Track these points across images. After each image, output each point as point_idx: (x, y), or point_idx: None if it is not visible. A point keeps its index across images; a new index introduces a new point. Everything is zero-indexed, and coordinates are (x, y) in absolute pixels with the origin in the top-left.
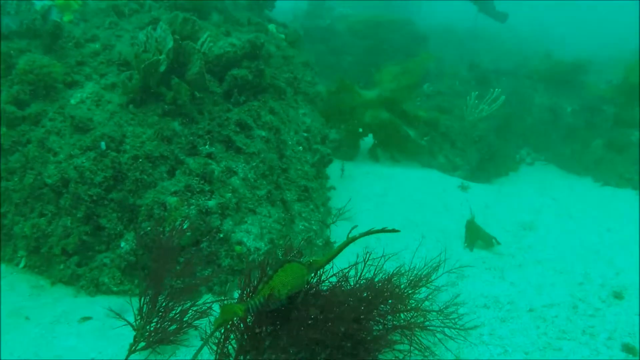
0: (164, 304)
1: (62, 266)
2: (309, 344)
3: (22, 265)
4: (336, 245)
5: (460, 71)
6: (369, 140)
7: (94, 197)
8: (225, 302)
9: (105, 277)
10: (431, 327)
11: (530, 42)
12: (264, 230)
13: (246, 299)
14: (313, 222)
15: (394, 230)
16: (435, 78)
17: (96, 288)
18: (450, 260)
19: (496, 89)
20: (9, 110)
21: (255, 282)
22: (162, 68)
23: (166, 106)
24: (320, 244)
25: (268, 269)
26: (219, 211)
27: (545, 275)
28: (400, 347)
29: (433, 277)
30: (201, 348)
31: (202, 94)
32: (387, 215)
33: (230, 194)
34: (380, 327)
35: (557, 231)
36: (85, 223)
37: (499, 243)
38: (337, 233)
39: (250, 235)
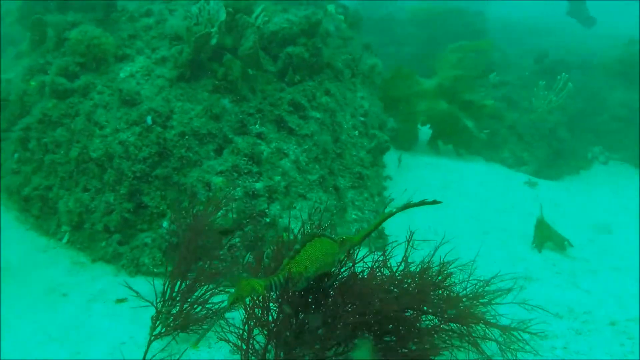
0: (188, 288)
1: (104, 243)
2: (345, 335)
3: (65, 240)
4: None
5: (527, 62)
6: (427, 130)
7: (138, 174)
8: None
9: (145, 257)
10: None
11: (596, 39)
12: (314, 217)
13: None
14: (366, 211)
15: (435, 202)
16: (501, 69)
17: (136, 268)
18: (516, 261)
19: (563, 74)
20: (58, 82)
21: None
22: (214, 41)
23: (217, 82)
24: (373, 235)
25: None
26: (267, 194)
27: (625, 284)
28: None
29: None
30: (210, 327)
31: (255, 71)
32: (447, 210)
33: (279, 177)
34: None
35: (636, 236)
36: (128, 200)
37: (571, 245)
38: (392, 225)
39: (299, 222)
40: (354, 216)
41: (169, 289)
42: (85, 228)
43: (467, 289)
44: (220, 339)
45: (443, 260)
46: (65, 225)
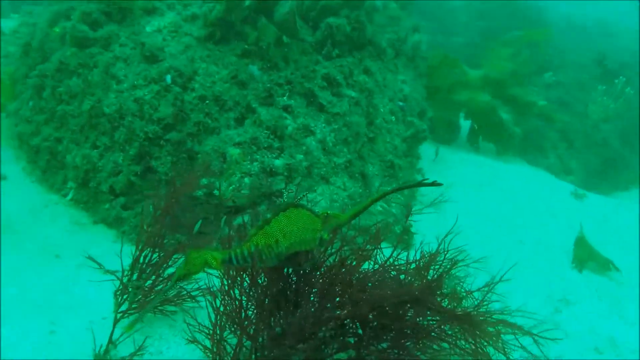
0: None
1: (107, 205)
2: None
3: (69, 197)
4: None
5: (586, 63)
6: (468, 124)
7: (150, 135)
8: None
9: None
10: None
11: None
12: (334, 204)
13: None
14: (393, 204)
15: (435, 184)
16: (558, 69)
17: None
18: (552, 279)
19: (620, 77)
20: (79, 29)
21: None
22: (247, 2)
23: (247, 46)
24: (398, 231)
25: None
26: (285, 173)
27: None
28: None
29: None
30: (149, 309)
31: (290, 39)
32: (482, 211)
33: (302, 156)
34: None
35: None
36: (136, 162)
37: (617, 269)
38: (420, 222)
39: (317, 208)
40: (379, 208)
41: (137, 261)
42: (91, 187)
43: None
44: (189, 341)
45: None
46: (72, 181)
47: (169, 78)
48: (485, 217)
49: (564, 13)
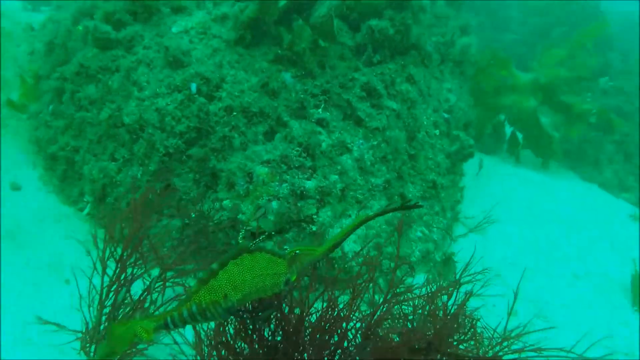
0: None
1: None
2: None
3: (86, 211)
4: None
5: None
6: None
7: (170, 150)
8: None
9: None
10: None
11: None
12: (370, 231)
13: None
14: (435, 229)
15: (417, 206)
16: (619, 74)
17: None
18: (613, 324)
19: None
20: (101, 29)
21: None
22: (282, 2)
23: (280, 51)
24: (439, 259)
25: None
26: (318, 196)
27: None
28: None
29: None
30: None
31: (327, 43)
32: (530, 236)
33: (336, 177)
34: None
35: None
36: (157, 178)
37: None
38: (464, 248)
39: (352, 236)
40: (419, 234)
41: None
42: (108, 202)
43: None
44: None
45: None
46: (88, 195)
47: (194, 87)
48: (535, 244)
49: (628, 13)
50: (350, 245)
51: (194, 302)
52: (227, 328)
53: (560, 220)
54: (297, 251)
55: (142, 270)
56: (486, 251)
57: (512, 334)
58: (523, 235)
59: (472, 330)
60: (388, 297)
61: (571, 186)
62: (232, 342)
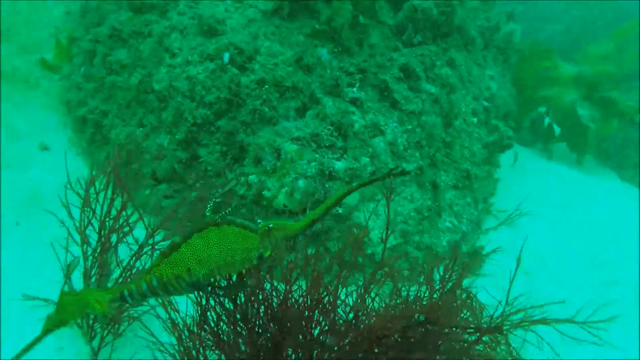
0: None
1: (148, 191)
2: None
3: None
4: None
5: None
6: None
7: (199, 120)
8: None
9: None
10: None
11: None
12: (397, 217)
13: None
14: (464, 220)
15: (403, 173)
16: None
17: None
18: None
19: None
20: None
21: None
22: None
23: (317, 26)
24: (465, 250)
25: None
26: (347, 179)
27: None
28: None
29: None
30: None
31: (367, 20)
32: (564, 237)
33: (367, 159)
34: None
35: None
36: (183, 148)
37: None
38: (493, 242)
39: (378, 221)
40: (447, 224)
41: None
42: (132, 169)
43: None
44: None
45: None
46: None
47: (226, 57)
48: (567, 245)
49: None
50: (376, 232)
51: (154, 276)
52: (209, 313)
53: (597, 223)
54: (271, 225)
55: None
56: (516, 247)
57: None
58: (555, 234)
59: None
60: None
61: (610, 186)
62: (215, 327)
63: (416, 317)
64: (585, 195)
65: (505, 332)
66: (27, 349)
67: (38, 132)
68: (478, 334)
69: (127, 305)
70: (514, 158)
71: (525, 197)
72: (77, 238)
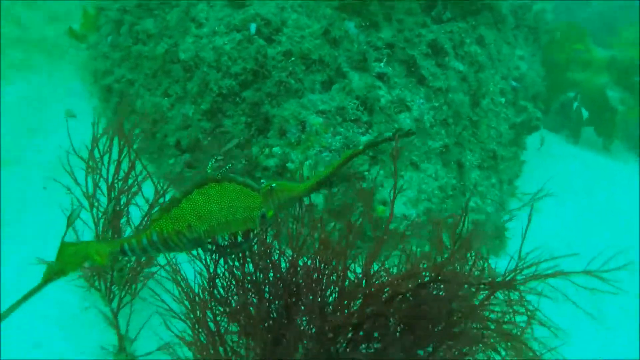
0: None
1: (172, 161)
2: None
3: (135, 146)
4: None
5: None
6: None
7: (224, 91)
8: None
9: None
10: None
11: None
12: (422, 195)
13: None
14: (489, 201)
15: (409, 133)
16: None
17: None
18: None
19: None
20: None
21: None
22: None
23: None
24: (489, 231)
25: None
26: (371, 153)
27: None
28: None
29: None
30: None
31: None
32: (586, 224)
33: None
34: None
35: None
36: (207, 118)
37: None
38: (516, 225)
39: (402, 197)
40: (472, 204)
41: None
42: (157, 137)
43: None
44: None
45: None
46: (139, 129)
47: (253, 28)
48: (589, 230)
49: None
50: (400, 208)
51: (154, 230)
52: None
53: (622, 211)
54: (274, 185)
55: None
56: (540, 231)
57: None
58: (580, 220)
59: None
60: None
61: (636, 174)
62: (225, 295)
63: (426, 275)
64: (610, 181)
65: (517, 286)
66: (26, 297)
67: (64, 100)
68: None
69: (127, 259)
70: (541, 141)
71: (550, 180)
72: (88, 203)
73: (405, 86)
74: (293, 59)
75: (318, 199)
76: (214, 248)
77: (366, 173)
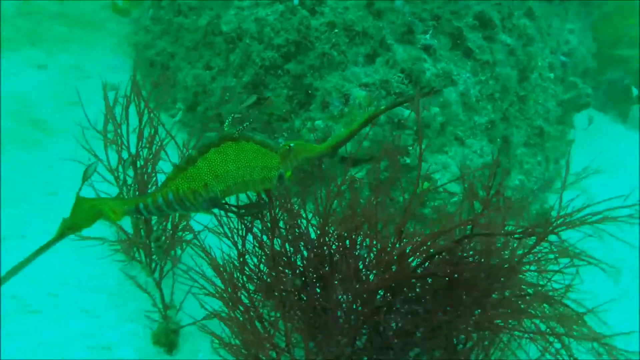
0: None
1: (214, 134)
2: None
3: (177, 118)
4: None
5: None
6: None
7: (267, 62)
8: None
9: None
10: None
11: None
12: (465, 171)
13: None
14: (533, 178)
15: (432, 91)
16: None
17: None
18: None
19: None
20: None
21: None
22: None
23: None
24: (534, 211)
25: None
26: (415, 127)
27: None
28: None
29: None
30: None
31: None
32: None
33: (437, 109)
34: None
35: None
36: (249, 91)
37: None
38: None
39: (447, 173)
40: (516, 182)
41: None
42: (198, 111)
43: None
44: None
45: None
46: (180, 102)
47: None
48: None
49: None
50: (442, 182)
51: (170, 190)
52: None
53: None
54: (292, 145)
55: None
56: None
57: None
58: (627, 202)
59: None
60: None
61: None
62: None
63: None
64: None
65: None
66: (41, 251)
67: (105, 72)
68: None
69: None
70: (589, 120)
71: (597, 159)
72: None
73: (451, 59)
74: (336, 30)
75: (361, 173)
76: (230, 208)
77: (410, 148)
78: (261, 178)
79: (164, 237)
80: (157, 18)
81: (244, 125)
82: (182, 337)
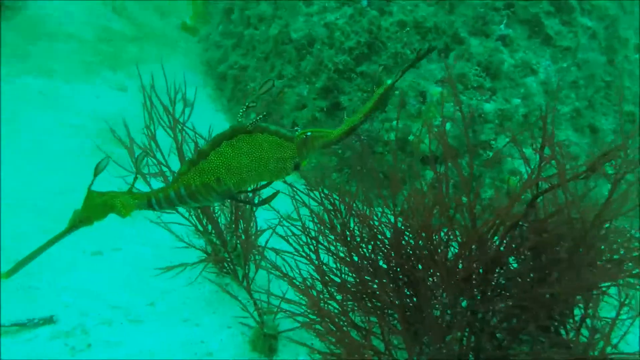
0: None
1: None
2: None
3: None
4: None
5: None
6: None
7: (340, 66)
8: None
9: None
10: None
11: None
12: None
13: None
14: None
15: (430, 50)
16: None
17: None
18: None
19: None
20: None
21: None
22: None
23: None
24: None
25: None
26: (497, 121)
27: None
28: None
29: None
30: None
31: None
32: None
33: (518, 100)
34: None
35: None
36: (323, 97)
37: None
38: None
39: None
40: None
41: None
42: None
43: None
44: None
45: None
46: (253, 113)
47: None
48: None
49: None
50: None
51: (181, 184)
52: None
53: None
54: (309, 133)
55: None
56: None
57: None
58: None
59: None
60: None
61: None
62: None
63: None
64: None
65: None
66: (50, 243)
67: (180, 90)
68: None
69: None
70: None
71: None
72: None
73: (529, 48)
74: (407, 29)
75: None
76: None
77: (492, 142)
78: (277, 169)
79: (239, 245)
80: (227, 32)
81: (259, 117)
82: (282, 342)
